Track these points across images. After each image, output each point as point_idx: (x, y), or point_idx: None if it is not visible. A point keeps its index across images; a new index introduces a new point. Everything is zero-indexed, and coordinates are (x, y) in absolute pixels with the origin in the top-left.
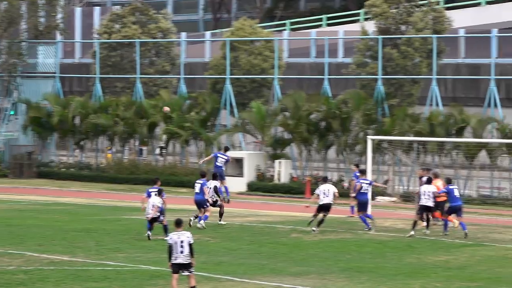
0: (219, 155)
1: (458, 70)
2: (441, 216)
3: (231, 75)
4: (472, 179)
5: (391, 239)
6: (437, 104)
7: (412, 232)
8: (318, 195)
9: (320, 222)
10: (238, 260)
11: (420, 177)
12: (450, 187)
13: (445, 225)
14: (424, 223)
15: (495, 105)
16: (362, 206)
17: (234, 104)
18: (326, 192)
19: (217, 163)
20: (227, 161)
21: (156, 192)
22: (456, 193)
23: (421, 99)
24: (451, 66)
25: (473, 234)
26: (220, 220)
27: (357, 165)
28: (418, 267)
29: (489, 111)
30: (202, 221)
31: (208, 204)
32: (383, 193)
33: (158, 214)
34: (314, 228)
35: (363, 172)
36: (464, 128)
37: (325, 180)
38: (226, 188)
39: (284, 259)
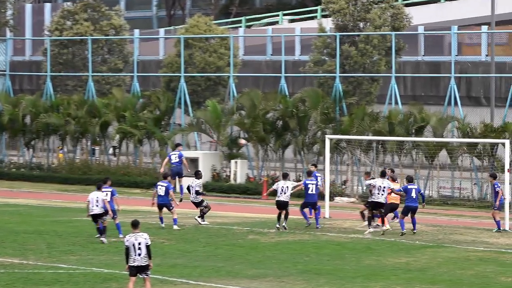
0: (171, 153)
1: (417, 68)
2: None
3: (185, 73)
4: (433, 179)
5: (350, 241)
6: (396, 103)
7: (371, 229)
8: (276, 190)
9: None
10: (194, 262)
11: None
12: (409, 186)
13: (402, 224)
14: (365, 223)
15: (456, 104)
16: (309, 206)
17: (188, 102)
18: (284, 189)
19: (172, 161)
20: (180, 156)
21: (97, 188)
22: (414, 193)
23: (380, 98)
24: (410, 63)
25: (433, 236)
26: (203, 220)
27: (315, 165)
28: (377, 269)
29: (449, 109)
30: (175, 226)
31: (173, 206)
32: (342, 194)
33: (104, 210)
34: (283, 225)
35: (309, 173)
36: (424, 127)
37: (284, 176)
38: (181, 187)
39: (240, 261)
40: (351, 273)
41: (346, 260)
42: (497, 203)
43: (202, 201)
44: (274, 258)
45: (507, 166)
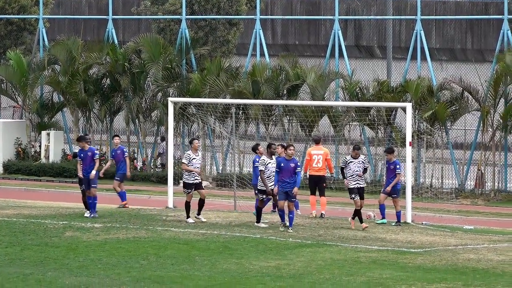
0: None
1: (290, 8)
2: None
3: None
4: None
5: (201, 238)
6: (262, 54)
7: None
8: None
9: None
10: None
11: None
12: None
13: (281, 216)
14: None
15: (341, 55)
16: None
17: None
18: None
19: None
20: None
21: None
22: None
23: (241, 48)
24: (281, 2)
25: (312, 231)
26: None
27: (163, 138)
28: (238, 275)
29: (332, 63)
30: None
31: None
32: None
33: None
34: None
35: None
36: (299, 86)
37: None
38: None
39: (55, 266)
40: (203, 282)
41: (196, 264)
42: (389, 188)
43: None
44: (101, 262)
45: (409, 138)
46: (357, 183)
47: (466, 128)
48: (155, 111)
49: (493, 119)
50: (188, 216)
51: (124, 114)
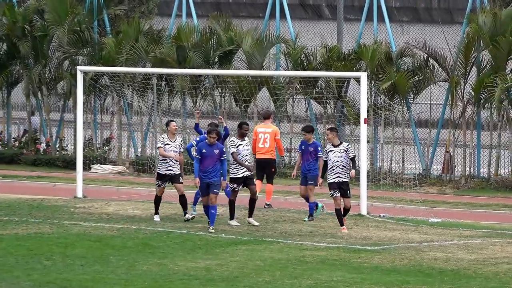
0: None
1: None
2: None
3: None
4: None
5: (117, 234)
6: (190, 15)
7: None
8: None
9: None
10: None
11: None
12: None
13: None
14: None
15: (283, 16)
16: None
17: None
18: None
19: None
20: None
21: None
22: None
23: (164, 7)
24: None
25: (249, 225)
26: None
27: (33, 112)
28: (161, 278)
29: (272, 25)
30: None
31: None
32: (103, 159)
33: None
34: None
35: None
36: (233, 53)
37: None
38: None
39: None
40: (119, 286)
41: (111, 264)
42: (320, 180)
43: None
44: None
45: (363, 114)
46: (338, 176)
47: (432, 102)
48: (61, 82)
49: (463, 92)
50: (156, 213)
51: (24, 86)
